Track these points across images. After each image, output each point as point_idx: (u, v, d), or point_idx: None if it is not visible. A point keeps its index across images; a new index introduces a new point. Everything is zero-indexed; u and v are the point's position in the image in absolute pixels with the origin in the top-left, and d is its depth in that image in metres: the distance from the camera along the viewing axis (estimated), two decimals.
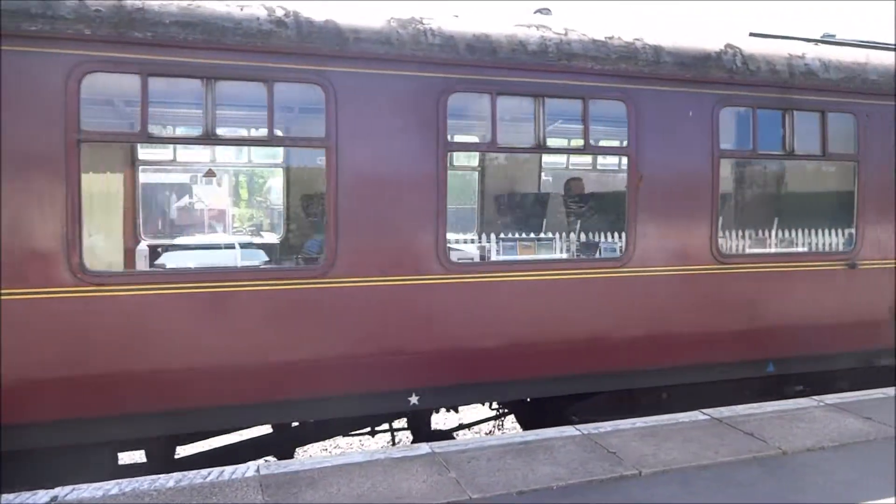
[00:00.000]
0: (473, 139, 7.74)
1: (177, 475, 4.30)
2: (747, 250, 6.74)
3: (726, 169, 7.54)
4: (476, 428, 8.07)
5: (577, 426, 5.19)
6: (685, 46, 5.79)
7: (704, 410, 5.64)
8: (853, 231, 6.52)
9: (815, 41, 6.59)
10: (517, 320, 5.40)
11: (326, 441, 7.46)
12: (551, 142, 7.28)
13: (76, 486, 4.13)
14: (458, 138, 7.52)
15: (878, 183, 6.51)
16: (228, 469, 4.37)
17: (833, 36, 7.06)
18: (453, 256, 5.51)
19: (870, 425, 5.29)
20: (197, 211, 18.37)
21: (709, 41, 5.94)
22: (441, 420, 8.36)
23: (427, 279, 5.12)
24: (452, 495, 3.99)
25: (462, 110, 6.15)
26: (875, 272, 6.53)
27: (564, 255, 6.37)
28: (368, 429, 6.21)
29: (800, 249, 6.87)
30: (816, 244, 6.97)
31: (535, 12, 5.96)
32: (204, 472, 4.35)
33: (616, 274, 5.65)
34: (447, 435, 6.58)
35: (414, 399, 5.14)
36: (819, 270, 6.37)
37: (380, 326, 5.04)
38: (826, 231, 6.95)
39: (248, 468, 4.37)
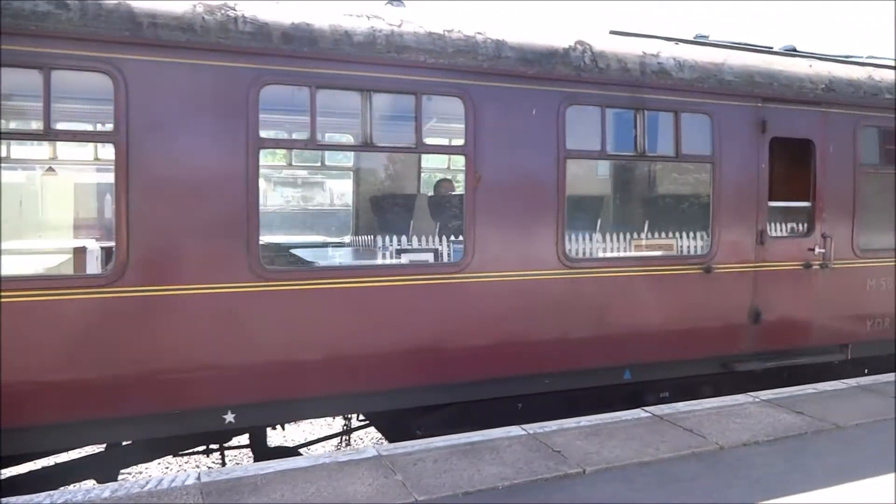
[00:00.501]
0: (296, 135, 7.06)
1: (113, 485, 4.16)
2: (600, 254, 6.38)
3: (581, 170, 7.30)
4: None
5: (523, 426, 5.20)
6: (530, 42, 5.51)
7: (646, 408, 5.65)
8: (709, 234, 6.31)
9: (677, 41, 6.44)
10: (344, 330, 4.99)
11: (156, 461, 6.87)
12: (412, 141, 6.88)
13: (5, 499, 3.95)
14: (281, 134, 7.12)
15: (734, 186, 6.32)
16: (168, 477, 4.24)
17: (706, 37, 6.96)
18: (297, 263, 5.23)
19: (801, 419, 5.44)
20: None
21: (557, 37, 5.67)
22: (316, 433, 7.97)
23: (235, 287, 4.67)
24: (398, 498, 3.96)
25: (281, 104, 5.78)
26: (731, 276, 6.34)
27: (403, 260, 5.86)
28: (203, 447, 5.69)
29: (655, 253, 6.53)
30: (673, 248, 6.66)
31: (385, 3, 5.64)
32: (142, 480, 4.21)
33: (454, 280, 5.30)
34: (293, 452, 6.09)
35: (230, 417, 4.74)
36: (674, 274, 6.15)
37: (182, 339, 4.58)
38: (684, 234, 6.64)
39: (189, 476, 4.24)
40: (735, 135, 6.29)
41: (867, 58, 7.76)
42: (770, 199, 6.57)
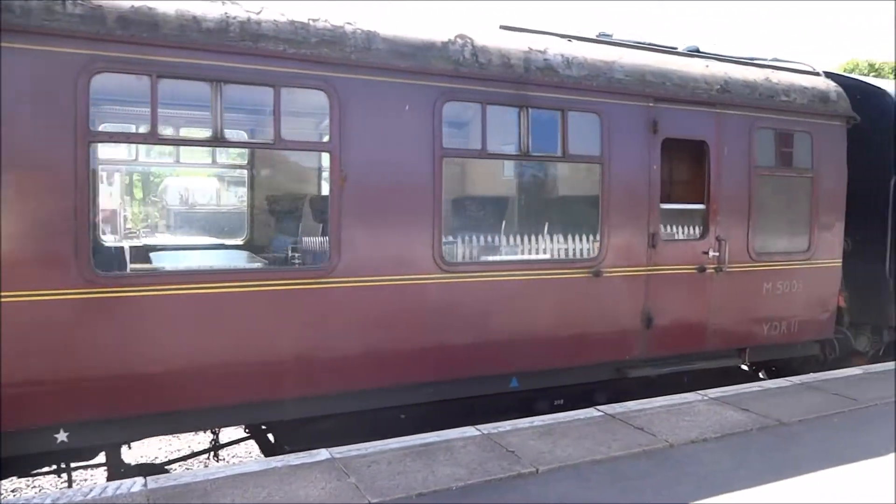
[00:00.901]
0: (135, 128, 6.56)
1: (54, 493, 4.01)
2: (484, 258, 5.98)
3: (471, 169, 7.03)
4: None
5: (478, 426, 5.21)
6: (405, 34, 5.17)
7: (599, 407, 5.60)
8: (598, 237, 5.97)
9: (572, 38, 6.19)
10: (195, 340, 4.61)
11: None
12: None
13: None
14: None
15: (624, 187, 6.02)
16: (113, 484, 4.11)
17: (609, 35, 6.78)
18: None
19: (747, 416, 5.50)
20: None
21: (436, 30, 5.35)
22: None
23: (61, 294, 4.23)
24: (352, 500, 3.93)
25: (120, 94, 5.37)
26: (622, 280, 6.03)
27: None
28: (54, 467, 5.17)
29: (540, 256, 6.12)
30: (562, 251, 6.20)
31: None
32: (85, 488, 4.08)
33: (319, 285, 4.93)
34: (159, 469, 5.60)
35: (62, 436, 4.35)
36: (561, 279, 5.80)
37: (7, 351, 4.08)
38: (574, 237, 6.21)
39: (135, 483, 4.12)
40: (625, 135, 6.02)
41: (772, 60, 7.78)
42: (664, 201, 6.37)
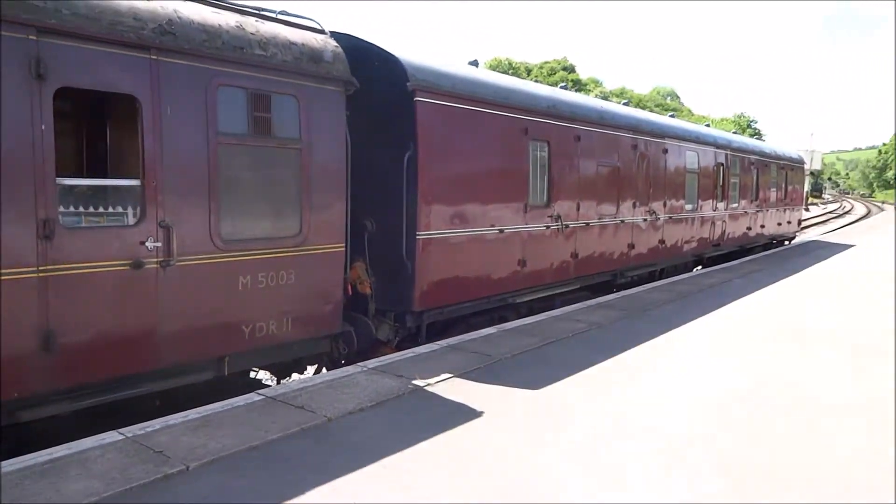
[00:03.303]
0: None
1: None
2: None
3: None
4: None
5: (121, 429, 4.71)
6: None
7: (260, 391, 5.53)
8: None
9: None
10: None
11: None
12: None
13: None
14: None
15: None
16: None
17: None
18: None
19: (400, 382, 5.86)
20: None
21: None
22: None
23: None
24: None
25: None
26: None
27: None
28: None
29: None
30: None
31: None
32: None
33: None
34: None
35: None
36: None
37: None
38: None
39: None
40: None
41: (280, 13, 6.48)
42: (73, 175, 5.16)
